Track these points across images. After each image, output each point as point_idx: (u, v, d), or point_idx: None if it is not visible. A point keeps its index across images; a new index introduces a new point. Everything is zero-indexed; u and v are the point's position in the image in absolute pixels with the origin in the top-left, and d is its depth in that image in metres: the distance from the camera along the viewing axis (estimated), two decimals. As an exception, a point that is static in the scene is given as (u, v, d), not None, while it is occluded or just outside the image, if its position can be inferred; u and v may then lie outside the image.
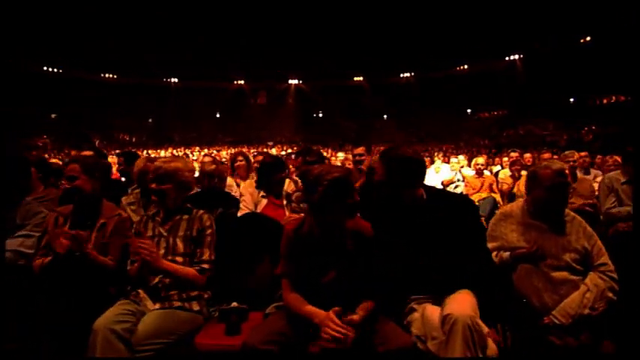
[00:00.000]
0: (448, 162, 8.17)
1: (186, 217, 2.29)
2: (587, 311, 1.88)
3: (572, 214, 2.11)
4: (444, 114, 28.21)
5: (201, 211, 2.34)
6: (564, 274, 1.97)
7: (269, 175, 3.11)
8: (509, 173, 5.57)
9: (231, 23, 27.12)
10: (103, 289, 2.31)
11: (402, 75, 30.78)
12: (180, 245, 2.20)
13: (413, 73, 30.42)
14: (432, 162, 8.43)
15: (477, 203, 5.98)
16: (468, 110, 29.19)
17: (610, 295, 1.92)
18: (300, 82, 32.74)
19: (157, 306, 2.08)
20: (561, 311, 1.90)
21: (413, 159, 1.97)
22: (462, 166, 7.48)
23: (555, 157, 6.50)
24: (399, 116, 30.93)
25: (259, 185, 3.16)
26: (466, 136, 24.63)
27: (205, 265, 2.18)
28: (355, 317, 1.71)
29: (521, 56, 24.95)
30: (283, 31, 27.58)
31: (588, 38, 21.83)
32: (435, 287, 1.86)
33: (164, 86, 30.70)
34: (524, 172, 6.16)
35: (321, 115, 34.42)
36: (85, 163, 2.45)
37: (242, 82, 32.19)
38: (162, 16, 25.36)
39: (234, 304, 2.16)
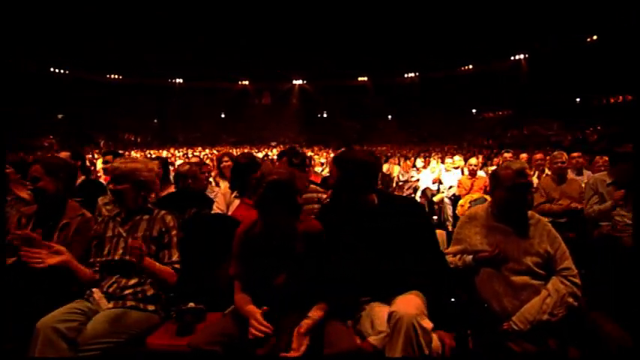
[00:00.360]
0: (444, 163, 8.08)
1: (146, 217, 2.27)
2: (545, 317, 1.82)
3: (537, 216, 2.04)
4: (448, 114, 28.10)
5: (163, 212, 2.32)
6: (525, 279, 1.91)
7: (243, 176, 3.07)
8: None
9: (235, 24, 27.26)
10: (66, 288, 2.29)
11: (405, 75, 30.66)
12: None
13: (417, 73, 30.29)
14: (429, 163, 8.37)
15: (468, 204, 5.95)
16: (473, 110, 29.00)
17: (570, 300, 1.85)
18: (304, 82, 32.75)
19: (111, 305, 2.06)
20: (520, 317, 1.84)
21: (367, 162, 1.94)
22: (458, 167, 7.40)
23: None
24: (402, 116, 30.84)
25: (233, 186, 3.13)
26: (469, 136, 24.44)
27: (177, 266, 2.18)
28: (302, 329, 1.69)
29: (526, 56, 24.70)
30: (287, 32, 27.65)
31: (595, 37, 21.53)
32: (385, 290, 1.84)
33: (168, 87, 30.92)
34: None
35: (325, 115, 34.42)
36: (47, 164, 2.44)
37: (246, 82, 32.28)
38: (167, 17, 25.57)
39: (191, 304, 2.13)
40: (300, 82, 32.76)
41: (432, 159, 8.61)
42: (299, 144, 26.24)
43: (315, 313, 1.75)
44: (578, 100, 22.64)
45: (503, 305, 1.91)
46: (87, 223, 2.43)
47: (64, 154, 3.40)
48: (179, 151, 17.99)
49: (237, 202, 3.06)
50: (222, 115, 33.22)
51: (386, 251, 1.86)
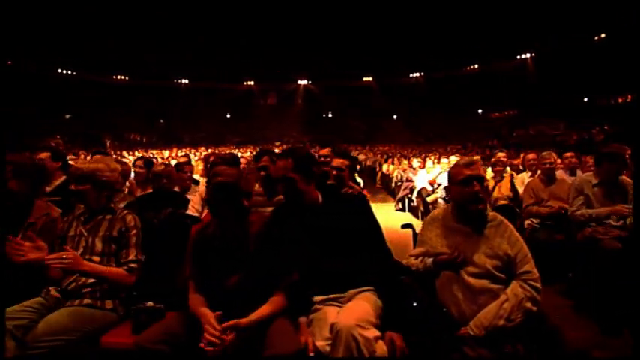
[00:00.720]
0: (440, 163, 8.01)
1: (109, 217, 2.29)
2: (502, 322, 1.75)
3: (500, 218, 1.99)
4: (453, 114, 27.91)
5: (126, 212, 2.33)
6: (484, 282, 1.85)
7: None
8: (492, 174, 5.39)
9: (240, 24, 27.37)
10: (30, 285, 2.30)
11: (411, 75, 30.49)
12: (98, 245, 2.20)
13: (422, 73, 30.09)
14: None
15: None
16: (479, 110, 28.74)
17: (528, 305, 1.78)
18: (309, 82, 32.75)
19: (67, 303, 2.07)
20: (477, 322, 1.78)
21: (313, 158, 1.95)
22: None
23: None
24: (407, 116, 30.69)
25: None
26: (474, 137, 24.19)
27: (133, 265, 2.19)
28: (242, 321, 1.70)
29: (532, 55, 24.38)
30: (292, 32, 27.69)
31: (603, 35, 21.18)
32: (335, 287, 1.85)
33: (174, 87, 31.15)
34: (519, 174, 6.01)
35: (330, 115, 34.39)
36: (15, 165, 2.47)
37: (251, 82, 32.37)
38: (173, 18, 25.77)
39: (150, 303, 2.13)
40: (304, 82, 32.76)
41: (428, 159, 8.50)
42: (302, 144, 26.30)
43: (258, 313, 1.76)
44: (585, 99, 22.32)
45: (462, 309, 1.86)
46: (53, 222, 2.45)
47: (43, 155, 3.42)
48: (181, 151, 18.06)
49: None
50: (228, 116, 33.36)
51: (330, 248, 1.87)
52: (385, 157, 13.07)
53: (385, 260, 1.92)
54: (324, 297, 1.86)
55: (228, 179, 1.88)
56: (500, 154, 6.00)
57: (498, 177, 5.21)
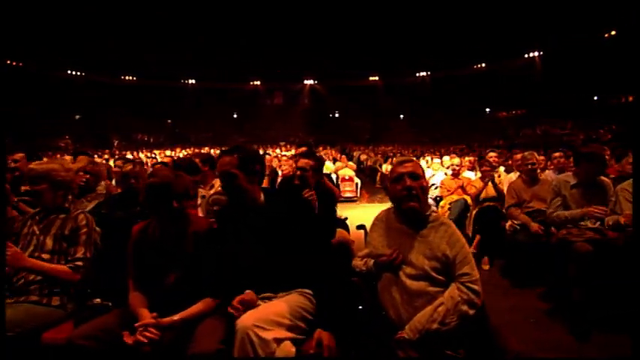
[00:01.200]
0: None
1: (62, 216, 2.32)
2: (435, 326, 1.70)
3: (442, 219, 1.93)
4: (460, 113, 27.62)
5: (79, 211, 2.36)
6: (421, 285, 1.80)
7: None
8: (480, 175, 5.29)
9: (247, 25, 27.48)
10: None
11: (417, 75, 30.25)
12: (48, 243, 2.23)
13: (428, 73, 29.83)
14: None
15: (448, 206, 5.79)
16: (487, 110, 28.39)
17: (464, 308, 1.72)
18: (315, 82, 32.73)
19: (13, 300, 2.09)
20: (411, 325, 1.73)
21: (259, 156, 1.92)
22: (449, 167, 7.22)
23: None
24: (414, 116, 30.48)
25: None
26: (481, 136, 23.91)
27: (79, 263, 2.21)
28: (164, 320, 1.74)
29: (540, 53, 23.95)
30: (298, 32, 27.71)
31: (613, 32, 20.72)
32: (270, 288, 1.85)
33: (181, 88, 31.44)
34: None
35: (337, 115, 34.34)
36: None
37: (258, 82, 32.48)
38: (180, 19, 25.99)
39: (97, 300, 2.15)
40: (311, 82, 32.75)
41: (422, 159, 8.40)
42: (307, 143, 26.27)
43: (186, 312, 1.79)
44: (595, 98, 21.87)
45: (399, 313, 1.82)
46: (8, 222, 2.47)
47: (18, 156, 3.47)
48: (185, 151, 18.21)
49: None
50: (235, 116, 33.55)
51: (267, 249, 1.86)
52: (385, 157, 12.97)
53: (324, 262, 1.87)
54: (258, 297, 1.85)
55: (161, 180, 1.92)
56: (492, 154, 5.91)
57: (487, 177, 5.12)
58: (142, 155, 15.39)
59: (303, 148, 4.00)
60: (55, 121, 24.56)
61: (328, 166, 9.72)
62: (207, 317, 1.80)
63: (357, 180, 10.46)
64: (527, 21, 22.31)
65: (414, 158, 2.11)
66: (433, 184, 6.80)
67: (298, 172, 3.00)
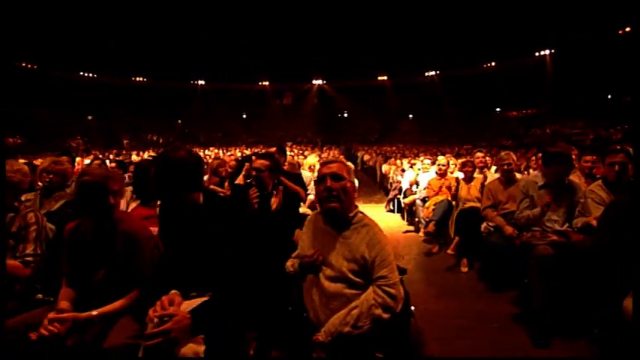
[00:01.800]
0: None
1: (11, 215, 2.38)
2: (347, 329, 1.67)
3: (365, 221, 1.90)
4: (470, 113, 27.23)
5: (28, 210, 2.43)
6: (338, 287, 1.78)
7: (142, 179, 3.09)
8: (462, 175, 5.21)
9: (256, 26, 27.66)
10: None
11: (426, 74, 29.94)
12: None
13: (437, 72, 29.50)
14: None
15: (433, 206, 5.72)
16: (497, 109, 27.92)
17: (378, 312, 1.68)
18: (324, 82, 32.71)
19: None
20: (325, 328, 1.71)
21: (184, 162, 1.88)
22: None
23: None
24: (423, 115, 30.20)
25: (134, 189, 3.16)
26: (490, 136, 23.54)
27: (29, 258, 2.28)
28: (81, 315, 1.79)
29: (552, 51, 23.40)
30: (307, 33, 27.75)
31: (628, 29, 20.10)
32: (182, 287, 1.84)
33: (191, 88, 31.84)
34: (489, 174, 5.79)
35: (345, 115, 34.26)
36: None
37: (266, 83, 32.64)
38: (189, 21, 26.32)
39: (39, 295, 2.21)
40: (319, 82, 32.74)
41: (417, 160, 8.31)
42: (313, 143, 26.33)
43: (104, 308, 1.84)
44: (610, 97, 21.27)
45: (317, 314, 1.80)
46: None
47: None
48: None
49: (134, 204, 3.10)
50: (244, 116, 33.82)
51: (192, 250, 1.85)
52: (385, 157, 12.87)
53: (227, 268, 1.84)
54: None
55: (93, 179, 1.94)
56: (479, 154, 5.80)
57: (468, 178, 5.04)
58: (146, 155, 15.60)
59: (274, 149, 4.00)
60: (69, 121, 25.16)
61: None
62: (128, 313, 1.83)
63: (355, 180, 10.40)
64: (537, 18, 21.85)
65: (339, 160, 2.06)
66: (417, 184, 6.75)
67: (253, 173, 3.00)
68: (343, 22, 27.59)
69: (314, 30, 27.76)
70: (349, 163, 8.56)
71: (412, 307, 2.12)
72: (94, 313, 1.81)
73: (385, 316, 1.71)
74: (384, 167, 11.55)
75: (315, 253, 1.87)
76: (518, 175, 4.62)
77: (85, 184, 1.94)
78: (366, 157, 15.47)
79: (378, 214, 8.86)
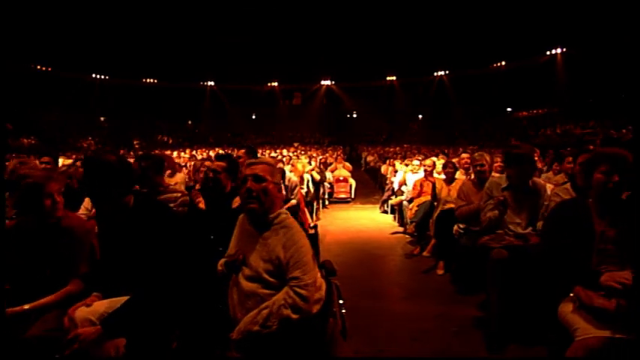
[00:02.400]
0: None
1: None
2: (256, 328, 1.70)
3: (287, 222, 1.90)
4: (480, 113, 26.84)
5: None
6: (253, 287, 1.80)
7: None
8: (444, 177, 5.15)
9: (264, 27, 27.82)
10: None
11: (435, 74, 29.65)
12: None
13: (447, 72, 29.18)
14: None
15: (416, 207, 5.67)
16: (508, 109, 27.44)
17: (286, 312, 1.69)
18: (332, 83, 32.70)
19: None
20: (238, 326, 1.75)
21: (110, 166, 1.92)
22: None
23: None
24: (432, 116, 29.92)
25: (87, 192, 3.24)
26: (499, 136, 23.15)
27: None
28: (19, 308, 1.88)
29: (564, 50, 22.88)
30: (315, 33, 27.79)
31: None
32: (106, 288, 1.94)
33: (201, 89, 32.26)
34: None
35: (355, 115, 34.18)
36: None
37: (275, 84, 32.81)
38: (199, 23, 26.66)
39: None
40: (328, 82, 32.74)
41: (409, 161, 8.25)
42: (319, 144, 26.36)
43: (38, 302, 1.93)
44: (622, 96, 20.65)
45: (235, 313, 1.84)
46: None
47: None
48: (199, 152, 18.62)
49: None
50: (253, 117, 34.08)
51: (119, 250, 1.93)
52: (384, 158, 12.80)
53: (150, 268, 1.86)
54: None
55: (32, 180, 2.05)
56: (464, 155, 5.73)
57: (449, 179, 4.98)
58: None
59: (242, 151, 4.03)
60: (81, 123, 25.78)
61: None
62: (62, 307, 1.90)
63: (351, 181, 10.41)
64: (548, 17, 21.40)
65: (265, 161, 2.07)
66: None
67: (210, 174, 3.04)
68: (351, 22, 27.53)
69: (322, 30, 27.77)
70: (347, 164, 8.58)
71: (343, 310, 2.12)
72: (26, 307, 1.88)
73: (294, 316, 1.72)
74: (383, 168, 11.51)
75: (236, 253, 1.90)
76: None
77: (23, 185, 2.03)
78: (369, 158, 15.41)
79: (373, 214, 8.85)
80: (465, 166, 5.46)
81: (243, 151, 4.01)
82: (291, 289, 1.75)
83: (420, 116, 31.36)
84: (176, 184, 4.58)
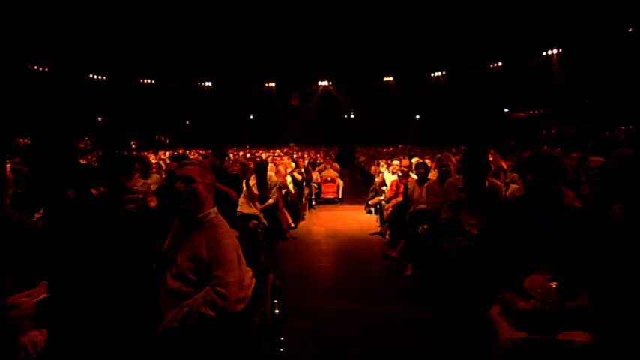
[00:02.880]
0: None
1: None
2: (175, 324, 1.75)
3: (215, 222, 1.93)
4: (477, 114, 26.80)
5: None
6: (178, 284, 1.83)
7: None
8: (416, 177, 5.18)
9: (261, 27, 27.85)
10: None
11: (432, 74, 29.65)
12: None
13: (443, 73, 29.18)
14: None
15: (391, 208, 5.69)
16: (505, 110, 27.40)
17: (205, 310, 1.72)
18: (330, 83, 32.72)
19: None
20: (162, 323, 1.78)
21: (49, 164, 1.99)
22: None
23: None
24: (429, 117, 29.90)
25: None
26: (496, 137, 23.10)
27: None
28: None
29: (560, 51, 22.84)
30: (312, 34, 27.80)
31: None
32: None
33: (198, 90, 32.32)
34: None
35: (352, 116, 34.18)
36: None
37: (272, 84, 32.84)
38: (196, 23, 26.70)
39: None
40: (325, 83, 32.77)
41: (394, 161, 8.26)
42: (312, 145, 26.34)
43: None
44: (619, 97, 20.62)
45: (162, 309, 1.87)
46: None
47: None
48: (190, 153, 18.65)
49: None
50: (251, 117, 34.13)
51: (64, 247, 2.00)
52: (373, 158, 12.82)
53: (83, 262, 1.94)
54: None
55: None
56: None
57: (420, 179, 5.00)
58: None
59: (209, 151, 4.06)
60: (78, 123, 25.84)
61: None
62: None
63: (339, 182, 10.44)
64: (545, 17, 21.37)
65: (195, 162, 2.10)
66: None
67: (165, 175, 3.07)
68: (348, 23, 27.52)
69: (319, 31, 27.79)
70: (335, 164, 8.59)
71: (276, 310, 2.15)
72: None
73: (212, 314, 1.75)
74: (372, 168, 11.53)
75: (168, 252, 1.95)
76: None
77: None
78: (362, 159, 15.45)
79: (359, 215, 8.87)
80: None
81: (210, 151, 4.04)
82: (212, 288, 1.79)
83: (417, 117, 31.36)
84: (150, 184, 4.62)
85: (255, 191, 5.02)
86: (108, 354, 1.81)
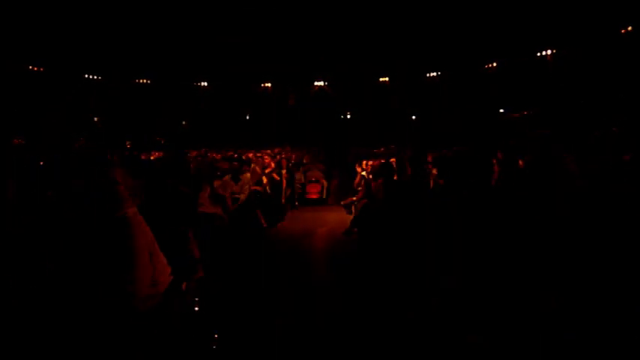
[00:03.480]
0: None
1: None
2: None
3: (134, 221, 1.98)
4: (473, 114, 26.77)
5: None
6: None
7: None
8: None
9: (257, 28, 27.90)
10: None
11: (428, 75, 29.65)
12: None
13: (439, 73, 29.19)
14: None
15: (360, 208, 5.72)
16: (501, 110, 27.38)
17: None
18: (325, 83, 32.75)
19: None
20: None
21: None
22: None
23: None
24: (425, 117, 29.88)
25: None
26: (491, 137, 23.06)
27: None
28: None
29: (554, 51, 22.82)
30: (307, 34, 27.85)
31: (630, 28, 19.44)
32: None
33: (195, 90, 32.40)
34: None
35: (348, 116, 34.20)
36: None
37: (269, 84, 32.90)
38: (193, 23, 26.77)
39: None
40: (321, 83, 32.81)
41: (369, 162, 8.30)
42: (306, 146, 26.36)
43: None
44: (613, 97, 20.58)
45: None
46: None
47: None
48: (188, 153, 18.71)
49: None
50: (247, 117, 34.19)
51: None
52: (360, 159, 12.81)
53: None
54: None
55: None
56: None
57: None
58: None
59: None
60: (74, 123, 25.94)
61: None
62: None
63: (324, 182, 10.48)
64: (539, 17, 21.36)
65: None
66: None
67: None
68: (345, 23, 27.55)
69: (316, 31, 27.84)
70: (320, 164, 8.63)
71: (196, 308, 2.17)
72: None
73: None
74: (359, 169, 11.55)
75: None
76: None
77: None
78: (350, 159, 15.43)
79: (341, 215, 8.90)
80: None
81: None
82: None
83: (414, 117, 31.36)
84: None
85: (221, 192, 5.06)
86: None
